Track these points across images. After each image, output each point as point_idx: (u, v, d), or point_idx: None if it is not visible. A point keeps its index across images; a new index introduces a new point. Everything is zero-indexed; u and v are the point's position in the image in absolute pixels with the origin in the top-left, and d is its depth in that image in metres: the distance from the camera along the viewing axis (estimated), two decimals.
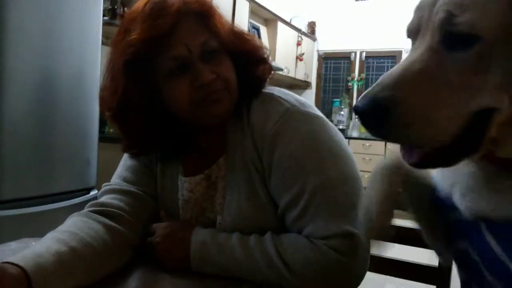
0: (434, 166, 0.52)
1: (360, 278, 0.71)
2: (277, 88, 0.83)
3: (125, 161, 0.89)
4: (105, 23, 2.55)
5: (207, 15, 0.76)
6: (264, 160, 0.75)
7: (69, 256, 0.62)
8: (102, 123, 2.67)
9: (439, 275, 0.99)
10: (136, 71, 0.73)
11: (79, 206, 2.12)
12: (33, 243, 0.74)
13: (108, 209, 0.77)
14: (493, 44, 0.42)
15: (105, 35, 2.81)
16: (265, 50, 0.84)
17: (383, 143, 5.15)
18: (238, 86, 0.79)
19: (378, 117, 0.44)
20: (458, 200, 0.53)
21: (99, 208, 0.77)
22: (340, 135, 0.79)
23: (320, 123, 0.76)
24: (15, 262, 0.54)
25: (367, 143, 5.26)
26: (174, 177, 0.86)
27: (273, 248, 0.70)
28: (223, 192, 0.79)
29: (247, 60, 0.81)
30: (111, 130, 2.71)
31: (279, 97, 0.78)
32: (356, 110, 0.45)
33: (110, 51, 0.78)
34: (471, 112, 0.44)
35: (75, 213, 0.76)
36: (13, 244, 0.80)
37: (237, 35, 0.80)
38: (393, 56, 5.61)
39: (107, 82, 0.78)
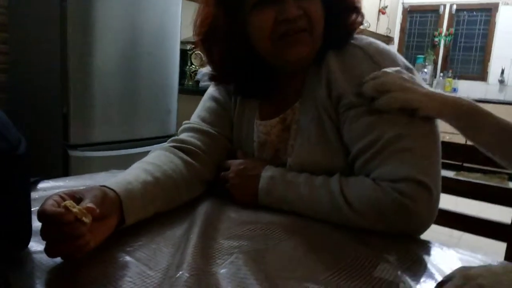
0: None
1: (424, 226, 0.69)
2: (365, 38, 0.80)
3: (204, 102, 0.93)
4: None
5: None
6: (341, 109, 0.75)
7: (153, 185, 0.69)
8: (182, 75, 2.81)
9: (510, 234, 0.97)
10: (226, 0, 0.77)
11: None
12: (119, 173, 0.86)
13: (187, 146, 0.83)
14: None
15: None
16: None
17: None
18: (325, 33, 0.78)
19: None
20: None
21: (179, 145, 0.83)
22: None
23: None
24: (110, 186, 0.62)
25: None
26: (251, 120, 0.89)
27: (338, 186, 0.71)
28: (295, 135, 0.82)
29: (338, 6, 0.79)
30: (190, 83, 2.83)
31: (367, 51, 0.76)
32: None
33: None
34: None
35: (158, 147, 0.83)
36: (103, 174, 0.94)
37: None
38: (488, 9, 5.09)
39: (200, 8, 0.82)
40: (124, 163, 0.83)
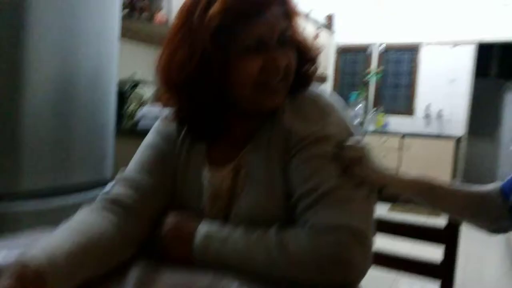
0: None
1: (360, 275, 0.70)
2: (318, 89, 0.84)
3: (143, 150, 0.88)
4: (124, 17, 2.59)
5: (287, 2, 0.77)
6: (290, 153, 0.76)
7: (79, 253, 0.65)
8: (120, 117, 2.73)
9: (443, 272, 1.00)
10: (221, 39, 0.73)
11: (95, 199, 2.16)
12: (43, 237, 0.76)
13: (118, 204, 0.78)
14: None
15: (124, 29, 2.85)
16: (316, 50, 0.84)
17: (398, 137, 5.10)
18: None
19: None
20: None
21: (110, 205, 0.78)
22: None
23: (349, 134, 0.79)
24: (33, 258, 0.58)
25: (383, 137, 5.21)
26: (198, 169, 0.85)
27: (275, 239, 0.70)
28: (244, 181, 0.80)
29: (301, 57, 0.81)
30: (129, 124, 2.76)
31: (324, 103, 0.80)
32: None
33: (180, 20, 0.77)
34: None
35: (86, 206, 0.78)
36: (25, 236, 0.83)
37: (301, 32, 0.82)
38: (412, 49, 5.53)
39: (181, 45, 0.76)
40: (56, 215, 0.76)
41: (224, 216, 0.81)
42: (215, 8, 0.71)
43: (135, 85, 2.85)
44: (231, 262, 0.72)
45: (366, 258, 0.70)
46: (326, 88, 5.99)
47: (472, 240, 3.84)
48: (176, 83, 0.78)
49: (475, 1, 5.06)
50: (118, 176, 0.85)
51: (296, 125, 0.77)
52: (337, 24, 5.90)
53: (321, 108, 0.79)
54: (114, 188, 0.82)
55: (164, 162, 0.86)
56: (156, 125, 0.92)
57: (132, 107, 2.80)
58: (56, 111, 1.85)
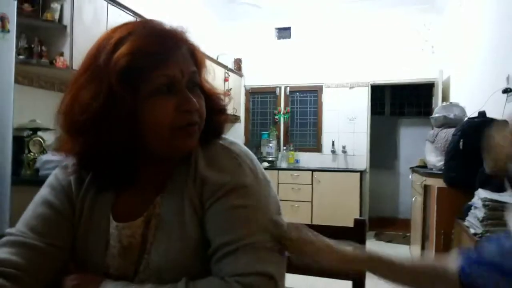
0: None
1: None
2: (228, 139, 0.85)
3: (35, 207, 0.80)
4: (21, 62, 2.46)
5: (195, 50, 0.80)
6: (205, 201, 0.76)
7: None
8: (18, 165, 2.52)
9: None
10: (129, 79, 0.71)
11: None
12: None
13: (5, 268, 0.70)
14: None
15: (22, 74, 2.70)
16: (225, 101, 0.87)
17: (310, 173, 5.34)
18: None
19: None
20: None
21: None
22: (277, 196, 0.83)
23: (263, 182, 0.80)
24: None
25: (295, 173, 5.42)
26: (102, 224, 0.79)
27: None
28: (155, 231, 0.77)
29: (211, 106, 0.82)
30: (28, 172, 2.56)
31: (236, 153, 0.80)
32: None
33: (87, 63, 0.75)
34: None
35: None
36: None
37: (208, 81, 0.84)
38: (315, 91, 5.93)
39: (86, 84, 0.72)
40: None
41: (134, 271, 0.77)
42: (122, 50, 0.71)
43: (35, 131, 2.67)
44: None
45: None
46: (238, 128, 6.13)
47: None
48: (79, 127, 0.72)
49: (366, 50, 5.62)
50: (4, 238, 0.76)
51: (210, 175, 0.76)
52: (245, 67, 6.15)
53: (234, 158, 0.79)
54: (1, 249, 0.74)
55: (58, 220, 0.79)
56: (52, 178, 0.84)
57: (32, 154, 2.61)
58: None
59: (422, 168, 3.53)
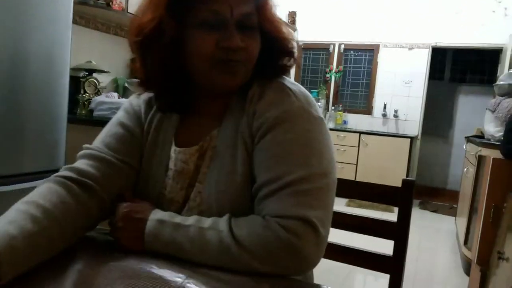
0: None
1: (309, 266, 0.69)
2: (289, 80, 0.84)
3: (110, 127, 0.87)
4: (78, 3, 2.50)
5: None
6: (255, 138, 0.77)
7: (39, 237, 0.64)
8: (74, 104, 2.63)
9: (393, 265, 1.03)
10: (177, 8, 0.75)
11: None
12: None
13: (82, 178, 0.76)
14: None
15: (79, 15, 2.76)
16: (293, 44, 0.84)
17: (357, 135, 5.23)
18: (256, 68, 0.81)
19: None
20: None
21: (74, 176, 0.76)
22: (330, 138, 0.80)
23: (317, 123, 0.78)
24: None
25: (342, 134, 5.33)
26: (165, 147, 0.85)
27: (227, 225, 0.70)
28: (209, 162, 0.80)
29: (274, 47, 0.82)
30: (83, 112, 2.66)
31: (290, 89, 0.79)
32: None
33: None
34: None
35: (50, 179, 0.75)
36: None
37: (274, 23, 0.82)
38: (371, 50, 5.67)
39: (144, 9, 0.79)
40: (7, 203, 0.71)
41: (184, 197, 0.81)
42: None
43: (90, 72, 2.75)
44: (183, 250, 0.70)
45: (318, 250, 0.69)
46: None
47: (425, 234, 3.99)
48: (135, 48, 0.80)
49: (430, 8, 5.25)
50: (82, 151, 0.82)
51: (259, 108, 0.77)
52: (299, 21, 5.96)
53: (287, 94, 0.78)
54: (77, 163, 0.80)
55: (130, 139, 0.85)
56: (127, 103, 0.91)
57: (87, 94, 2.70)
58: (4, 97, 1.75)
59: (478, 138, 3.34)
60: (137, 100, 0.91)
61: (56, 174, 0.77)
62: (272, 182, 0.72)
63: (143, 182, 0.85)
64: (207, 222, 0.71)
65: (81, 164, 0.79)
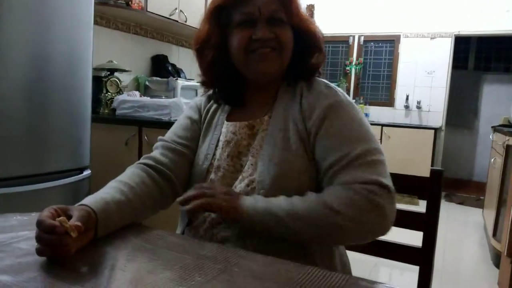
0: None
1: (389, 226, 0.79)
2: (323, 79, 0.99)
3: (179, 121, 1.08)
4: (98, 3, 2.53)
5: None
6: (310, 124, 0.89)
7: (125, 205, 0.82)
8: (97, 103, 2.67)
9: (422, 256, 1.01)
10: (219, 18, 0.95)
11: (72, 186, 2.11)
12: (17, 217, 0.81)
13: (158, 166, 0.96)
14: None
15: (99, 15, 2.79)
16: (322, 40, 0.98)
17: (379, 127, 5.15)
18: (293, 67, 0.96)
19: None
20: None
21: (152, 163, 0.96)
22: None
23: (360, 112, 0.93)
24: (91, 206, 0.74)
25: None
26: (218, 126, 1.01)
27: (315, 196, 0.81)
28: (262, 141, 0.93)
29: (304, 44, 0.96)
30: (106, 111, 2.70)
31: (331, 85, 0.95)
32: None
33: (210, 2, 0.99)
34: None
35: (134, 165, 0.96)
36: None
37: (302, 19, 0.96)
38: (392, 41, 5.57)
39: (201, 24, 1.00)
40: (32, 202, 0.76)
41: (233, 166, 0.94)
42: None
43: (112, 72, 2.79)
44: (279, 215, 0.80)
45: (393, 211, 0.80)
46: None
47: (451, 227, 3.91)
48: (195, 50, 1.01)
49: None
50: (158, 143, 1.03)
51: (311, 100, 0.91)
52: (317, 14, 5.89)
53: (330, 87, 0.94)
54: (153, 153, 1.00)
55: (191, 126, 1.05)
56: (191, 102, 1.13)
57: (109, 94, 2.74)
58: (29, 98, 1.79)
59: (505, 127, 3.24)
60: (200, 97, 1.11)
61: (138, 161, 0.98)
62: (342, 159, 0.83)
63: (197, 156, 1.00)
64: (293, 196, 0.82)
65: (156, 153, 1.00)
